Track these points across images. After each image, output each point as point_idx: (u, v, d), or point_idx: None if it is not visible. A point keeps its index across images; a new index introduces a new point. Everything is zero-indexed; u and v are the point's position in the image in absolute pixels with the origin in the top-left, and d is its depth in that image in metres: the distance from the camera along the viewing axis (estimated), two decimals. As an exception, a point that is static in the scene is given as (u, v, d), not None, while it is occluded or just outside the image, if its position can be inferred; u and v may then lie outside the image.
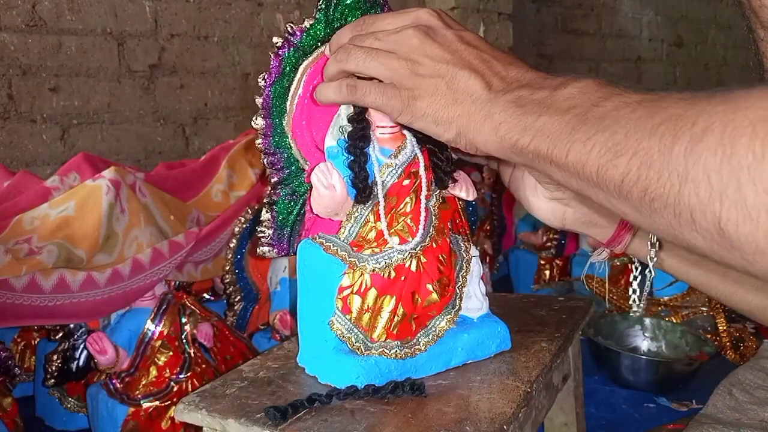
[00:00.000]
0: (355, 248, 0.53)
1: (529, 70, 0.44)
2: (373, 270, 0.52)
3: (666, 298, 1.24)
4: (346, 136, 0.53)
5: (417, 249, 0.53)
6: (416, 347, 0.54)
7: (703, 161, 0.30)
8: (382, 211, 0.53)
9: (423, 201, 0.54)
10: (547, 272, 1.53)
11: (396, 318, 0.52)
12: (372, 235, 0.53)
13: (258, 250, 0.58)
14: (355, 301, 0.52)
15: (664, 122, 0.33)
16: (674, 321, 1.14)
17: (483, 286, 0.59)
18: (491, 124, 0.42)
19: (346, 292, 0.52)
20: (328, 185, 0.52)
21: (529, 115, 0.40)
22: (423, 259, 0.53)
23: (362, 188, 0.52)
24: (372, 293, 0.52)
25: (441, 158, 0.56)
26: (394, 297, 0.52)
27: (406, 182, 0.54)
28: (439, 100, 0.45)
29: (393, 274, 0.52)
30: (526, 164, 0.43)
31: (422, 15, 0.48)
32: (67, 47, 1.60)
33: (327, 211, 0.54)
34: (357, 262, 0.52)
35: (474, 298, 0.58)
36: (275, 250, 0.58)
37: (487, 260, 1.52)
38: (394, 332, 0.53)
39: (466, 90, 0.44)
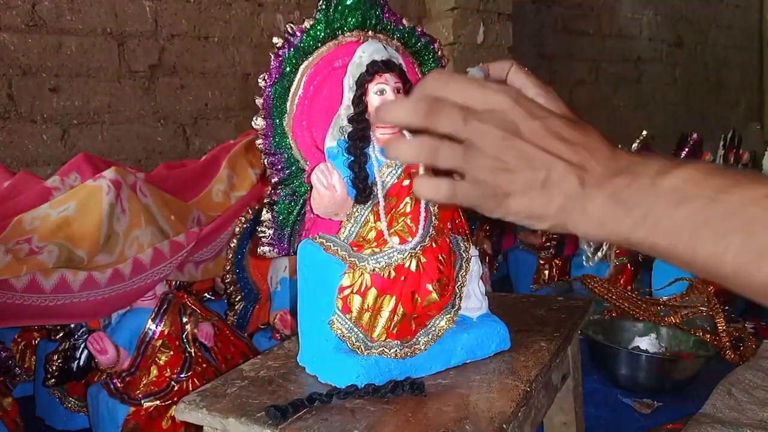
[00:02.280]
0: (355, 248, 0.53)
1: (615, 151, 0.44)
2: (373, 270, 0.52)
3: (665, 298, 1.24)
4: (346, 136, 0.53)
5: (417, 249, 0.53)
6: (416, 346, 0.54)
7: None
8: (382, 211, 0.53)
9: (423, 201, 0.54)
10: (547, 272, 1.53)
11: (396, 317, 0.52)
12: (372, 235, 0.54)
13: (258, 250, 0.58)
14: (355, 301, 0.52)
15: None
16: (674, 321, 1.14)
17: (482, 286, 0.59)
18: (593, 221, 0.42)
19: (346, 292, 0.52)
20: (328, 185, 0.52)
21: (634, 210, 0.40)
22: (423, 259, 0.54)
23: (362, 188, 0.52)
24: (372, 293, 0.52)
25: None
26: (394, 297, 0.52)
27: (406, 182, 0.54)
28: (532, 197, 0.44)
29: (393, 273, 0.52)
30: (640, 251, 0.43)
31: (505, 105, 0.45)
32: (67, 47, 1.60)
33: (327, 212, 0.54)
34: (357, 262, 0.52)
35: (473, 298, 0.58)
36: (275, 250, 0.58)
37: (487, 260, 1.52)
38: (394, 332, 0.53)
39: (559, 186, 0.43)
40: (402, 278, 0.53)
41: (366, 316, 0.52)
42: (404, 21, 0.59)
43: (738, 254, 0.36)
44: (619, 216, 0.41)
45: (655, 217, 0.39)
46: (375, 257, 0.52)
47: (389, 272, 0.52)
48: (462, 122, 0.45)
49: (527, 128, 0.44)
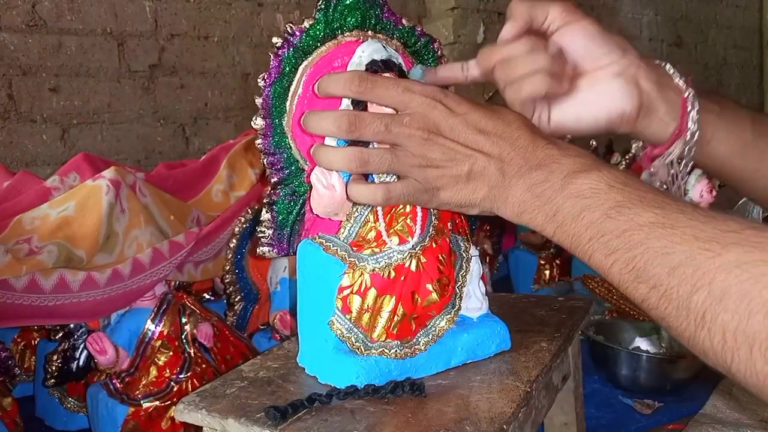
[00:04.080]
0: (355, 248, 0.53)
1: (534, 139, 0.47)
2: (373, 270, 0.52)
3: (666, 298, 1.24)
4: None
5: (417, 249, 0.53)
6: (416, 347, 0.54)
7: (720, 320, 0.34)
8: (380, 212, 0.53)
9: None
10: (547, 272, 1.53)
11: (396, 318, 0.52)
12: (372, 235, 0.53)
13: (258, 250, 0.57)
14: (355, 301, 0.52)
15: (681, 265, 0.37)
16: (674, 321, 1.14)
17: (483, 286, 0.59)
18: (513, 209, 0.47)
19: (345, 292, 0.52)
20: (327, 185, 0.52)
21: (546, 206, 0.45)
22: (423, 259, 0.53)
23: None
24: (372, 293, 0.52)
25: None
26: (394, 297, 0.52)
27: None
28: (459, 189, 0.48)
29: (393, 273, 0.52)
30: None
31: (426, 108, 0.48)
32: (67, 47, 1.60)
33: (327, 211, 0.54)
34: (357, 262, 0.52)
35: (474, 298, 0.58)
36: (275, 250, 0.58)
37: (487, 260, 1.52)
38: (394, 332, 0.53)
39: (482, 178, 0.48)
40: (402, 278, 0.53)
41: (366, 316, 0.52)
42: (404, 21, 0.59)
43: (621, 271, 0.41)
44: (534, 209, 0.46)
45: (561, 218, 0.44)
46: (375, 257, 0.52)
47: (389, 272, 0.52)
48: (384, 129, 0.48)
49: (448, 125, 0.48)
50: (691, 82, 0.55)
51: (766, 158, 0.57)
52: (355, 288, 0.52)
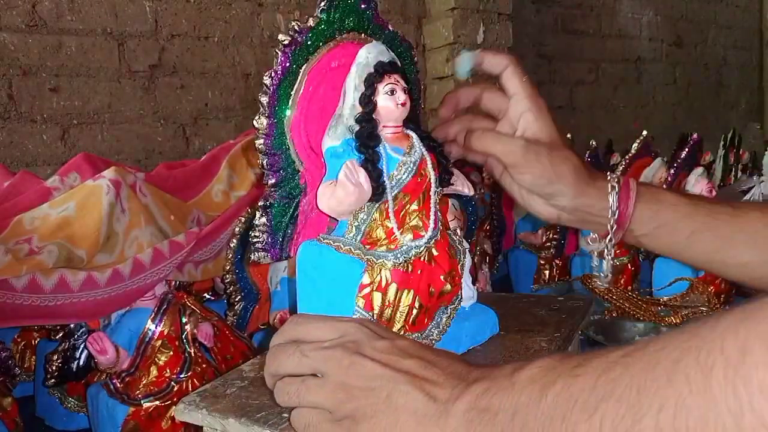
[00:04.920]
0: (367, 246, 0.53)
1: (469, 366, 0.41)
2: (394, 266, 0.52)
3: (665, 298, 1.24)
4: (355, 135, 0.53)
5: (431, 242, 0.54)
6: (431, 338, 0.55)
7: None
8: (391, 210, 0.53)
9: (433, 196, 0.55)
10: (547, 272, 1.53)
11: (414, 311, 0.53)
12: (380, 232, 0.54)
13: (253, 256, 0.57)
14: (377, 298, 0.52)
15: (680, 369, 0.30)
16: (674, 321, 1.14)
17: (470, 277, 0.61)
18: None
19: (366, 290, 0.52)
20: (356, 182, 0.51)
21: (500, 414, 0.36)
22: (434, 252, 0.54)
23: (375, 186, 0.52)
24: (392, 288, 0.52)
25: (445, 157, 0.58)
26: (412, 291, 0.53)
27: (419, 179, 0.54)
28: (380, 421, 0.39)
29: (411, 268, 0.53)
30: None
31: (350, 329, 0.45)
32: (67, 47, 1.60)
33: (349, 209, 0.53)
34: (374, 260, 0.52)
35: (466, 288, 0.60)
36: (269, 255, 0.57)
37: (487, 260, 1.52)
38: (414, 325, 0.53)
39: (406, 407, 0.39)
40: (419, 272, 0.53)
41: (387, 311, 0.52)
42: (389, 26, 0.60)
43: (613, 424, 0.32)
44: (486, 426, 0.37)
45: (522, 416, 0.35)
46: (393, 253, 0.53)
47: (408, 267, 0.52)
48: (299, 356, 0.43)
49: (371, 346, 0.42)
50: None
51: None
52: (375, 285, 0.52)
